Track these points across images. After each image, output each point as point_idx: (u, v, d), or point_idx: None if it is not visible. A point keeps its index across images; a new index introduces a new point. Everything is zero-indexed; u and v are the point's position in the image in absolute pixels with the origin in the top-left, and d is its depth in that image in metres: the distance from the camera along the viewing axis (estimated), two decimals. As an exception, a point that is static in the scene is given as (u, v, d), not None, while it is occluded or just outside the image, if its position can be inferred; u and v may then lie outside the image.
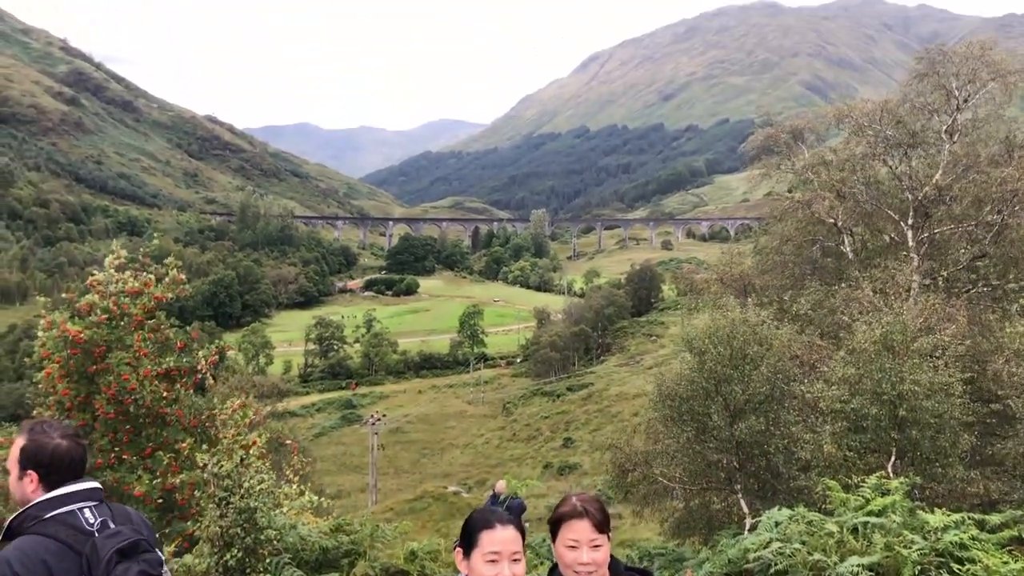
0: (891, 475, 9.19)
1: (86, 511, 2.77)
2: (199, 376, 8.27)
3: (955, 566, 5.16)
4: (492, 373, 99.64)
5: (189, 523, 6.74)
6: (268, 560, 5.96)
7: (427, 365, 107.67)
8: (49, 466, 2.77)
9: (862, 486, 6.79)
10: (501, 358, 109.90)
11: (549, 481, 43.79)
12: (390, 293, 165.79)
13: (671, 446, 15.11)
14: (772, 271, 19.70)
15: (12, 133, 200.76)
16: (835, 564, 5.38)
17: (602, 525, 2.56)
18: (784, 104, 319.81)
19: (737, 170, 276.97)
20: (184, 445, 7.40)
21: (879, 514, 6.06)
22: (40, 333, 7.73)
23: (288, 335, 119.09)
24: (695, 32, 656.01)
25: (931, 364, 11.37)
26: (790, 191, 21.22)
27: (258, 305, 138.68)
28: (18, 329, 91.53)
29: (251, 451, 6.92)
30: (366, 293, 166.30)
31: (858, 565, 5.23)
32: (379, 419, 50.42)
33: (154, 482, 7.33)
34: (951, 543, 5.32)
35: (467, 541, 2.47)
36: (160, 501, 7.29)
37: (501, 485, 15.16)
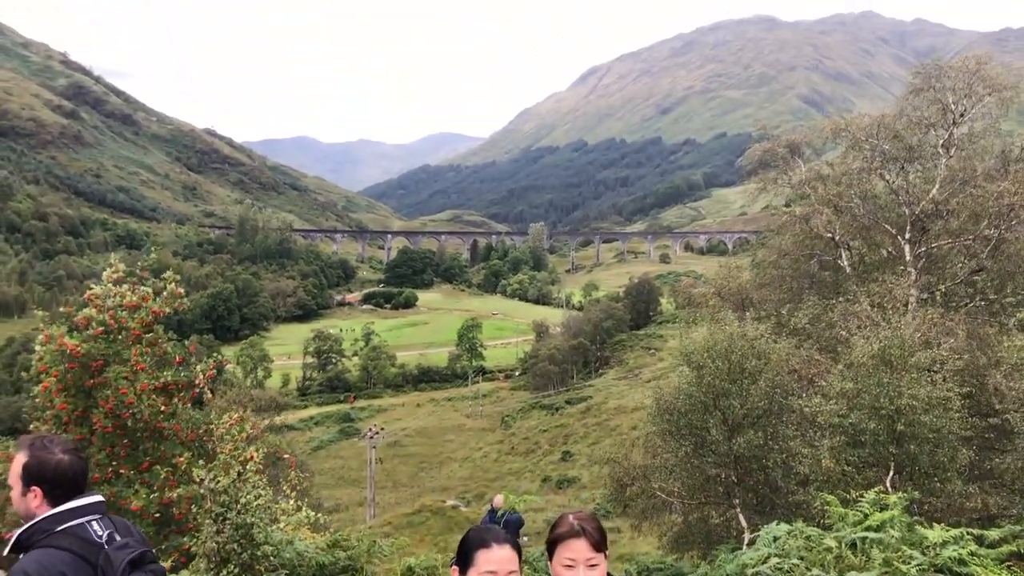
0: (889, 490, 9.18)
1: (94, 523, 2.84)
2: (197, 390, 8.27)
3: (954, 582, 5.15)
4: (491, 386, 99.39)
5: (186, 538, 6.70)
6: (265, 576, 5.94)
7: (425, 378, 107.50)
8: (52, 481, 2.83)
9: (860, 501, 6.77)
10: (500, 371, 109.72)
11: (547, 495, 43.61)
12: (389, 306, 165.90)
13: (669, 460, 15.09)
14: (770, 285, 19.69)
15: (11, 146, 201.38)
16: (833, 580, 5.37)
17: (599, 544, 2.55)
18: (781, 118, 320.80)
19: (735, 184, 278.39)
20: (182, 459, 7.38)
21: (877, 529, 6.04)
22: (38, 347, 7.73)
23: (286, 348, 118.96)
24: (692, 46, 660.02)
25: (929, 378, 11.36)
26: (787, 205, 21.22)
27: (256, 318, 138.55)
28: (16, 342, 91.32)
29: (248, 466, 6.90)
30: (364, 306, 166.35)
31: (856, 581, 5.21)
32: (377, 432, 50.34)
33: (151, 496, 7.31)
34: (950, 558, 5.30)
35: (463, 560, 2.46)
36: (157, 515, 7.28)
37: (499, 499, 15.10)
